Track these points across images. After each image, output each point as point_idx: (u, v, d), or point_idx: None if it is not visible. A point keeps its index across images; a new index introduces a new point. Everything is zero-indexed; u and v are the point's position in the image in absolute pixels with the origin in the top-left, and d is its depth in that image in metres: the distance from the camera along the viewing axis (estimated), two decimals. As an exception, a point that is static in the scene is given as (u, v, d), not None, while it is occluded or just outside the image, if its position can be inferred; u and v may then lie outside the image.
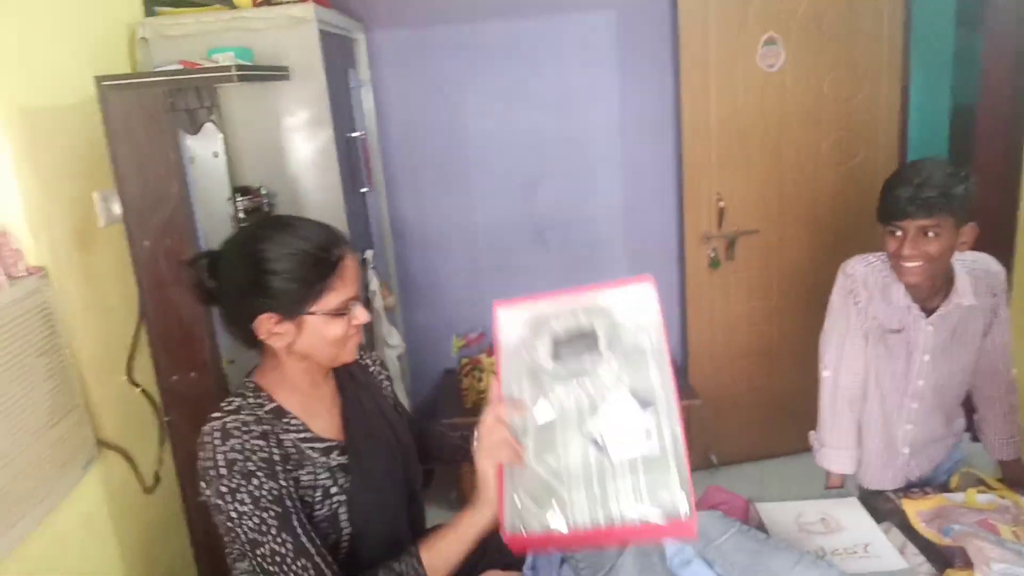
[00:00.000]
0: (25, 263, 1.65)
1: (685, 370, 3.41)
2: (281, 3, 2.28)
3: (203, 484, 1.22)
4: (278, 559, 1.16)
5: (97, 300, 1.93)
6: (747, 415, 3.40)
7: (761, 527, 1.69)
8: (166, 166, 1.76)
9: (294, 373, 1.30)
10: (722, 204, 3.19)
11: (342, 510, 1.27)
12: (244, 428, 1.20)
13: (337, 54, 2.62)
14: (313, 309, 1.22)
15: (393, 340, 2.78)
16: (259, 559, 1.17)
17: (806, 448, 2.07)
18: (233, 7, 2.27)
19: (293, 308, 1.22)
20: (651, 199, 3.39)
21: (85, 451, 1.77)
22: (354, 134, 2.76)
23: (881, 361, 1.90)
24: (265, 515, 1.16)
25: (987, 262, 1.85)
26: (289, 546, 1.16)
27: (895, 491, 1.84)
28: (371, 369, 1.53)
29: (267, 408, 1.26)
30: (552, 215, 3.37)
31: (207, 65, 1.93)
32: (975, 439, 2.06)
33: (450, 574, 1.22)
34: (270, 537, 1.16)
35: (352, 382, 1.42)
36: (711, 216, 3.21)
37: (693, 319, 3.32)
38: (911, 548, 1.59)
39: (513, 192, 3.34)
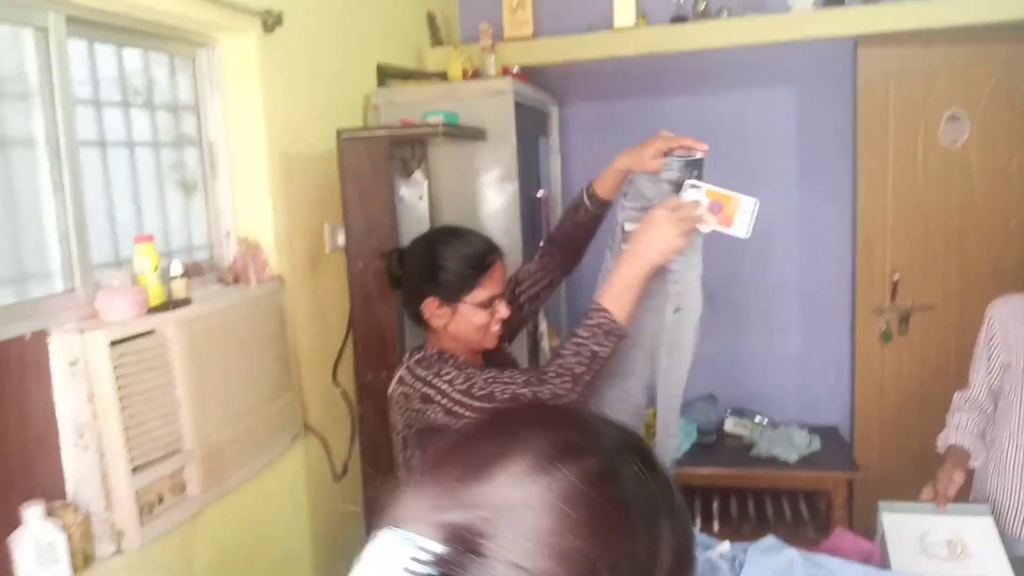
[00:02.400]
0: (269, 271, 2.11)
1: (851, 442, 3.36)
2: (486, 77, 2.70)
3: (403, 407, 1.53)
4: (489, 380, 1.44)
5: (317, 310, 2.37)
6: (914, 496, 3.26)
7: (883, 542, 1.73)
8: (382, 203, 2.18)
9: (452, 346, 1.61)
10: (897, 277, 3.18)
11: None
12: (428, 356, 1.54)
13: (530, 123, 3.00)
14: (466, 299, 1.55)
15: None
16: (475, 396, 1.43)
17: None
18: (447, 80, 2.72)
19: (452, 296, 1.55)
20: (826, 268, 3.44)
21: (295, 427, 2.18)
22: (539, 194, 3.11)
23: None
24: (467, 371, 1.48)
25: None
26: (493, 372, 1.46)
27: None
28: (514, 357, 1.83)
29: (443, 354, 1.58)
30: (726, 278, 3.51)
31: (420, 123, 2.35)
32: None
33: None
34: (477, 377, 1.45)
35: (497, 358, 1.72)
36: (884, 289, 3.21)
37: (861, 391, 3.30)
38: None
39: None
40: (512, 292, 1.79)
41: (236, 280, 2.04)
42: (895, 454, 3.30)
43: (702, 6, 3.12)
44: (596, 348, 1.40)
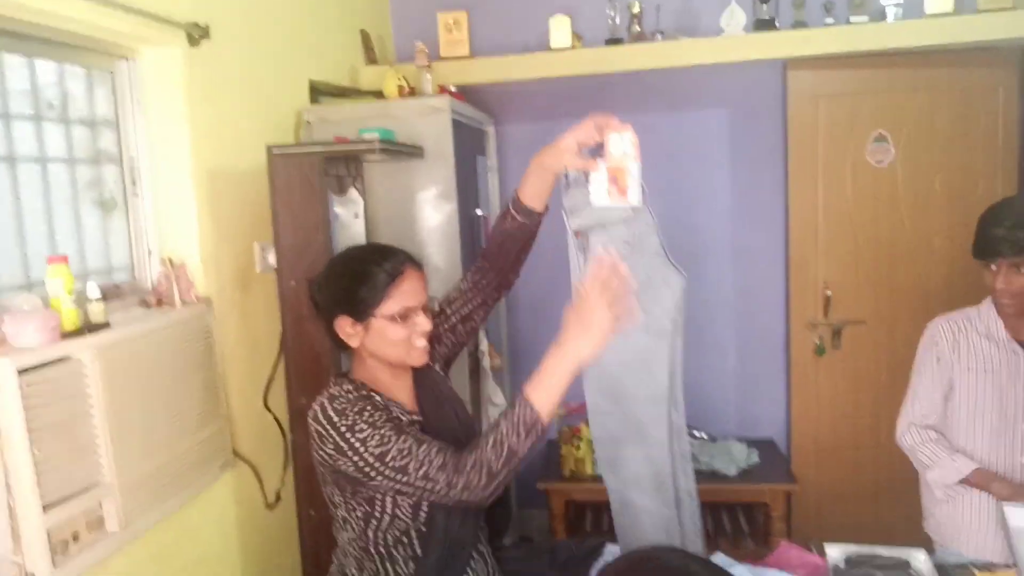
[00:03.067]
0: (195, 292, 2.02)
1: (789, 455, 3.40)
2: (423, 95, 2.66)
3: (317, 452, 1.46)
4: (405, 452, 1.37)
5: (247, 333, 2.27)
6: (850, 506, 3.32)
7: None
8: (315, 221, 2.11)
9: (375, 367, 1.55)
10: (829, 293, 3.25)
11: None
12: (345, 392, 1.47)
13: (467, 141, 2.97)
14: (376, 313, 1.48)
15: (497, 399, 2.99)
16: (390, 465, 1.37)
17: (911, 542, 2.04)
18: (382, 98, 2.67)
19: (361, 311, 1.49)
20: (759, 285, 3.50)
21: (223, 455, 2.07)
22: (478, 212, 3.08)
23: (982, 416, 1.98)
24: (383, 430, 1.39)
25: None
26: (409, 443, 1.39)
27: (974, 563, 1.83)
28: (448, 381, 1.75)
29: (361, 388, 1.52)
30: (659, 296, 3.53)
31: (355, 140, 2.30)
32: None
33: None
34: (393, 443, 1.38)
35: (427, 379, 1.65)
36: (817, 304, 3.27)
37: (797, 405, 3.34)
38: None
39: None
40: (443, 312, 1.74)
41: (159, 303, 1.94)
42: (831, 465, 3.35)
43: (637, 29, 3.16)
44: (514, 445, 1.36)
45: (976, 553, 1.97)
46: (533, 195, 1.70)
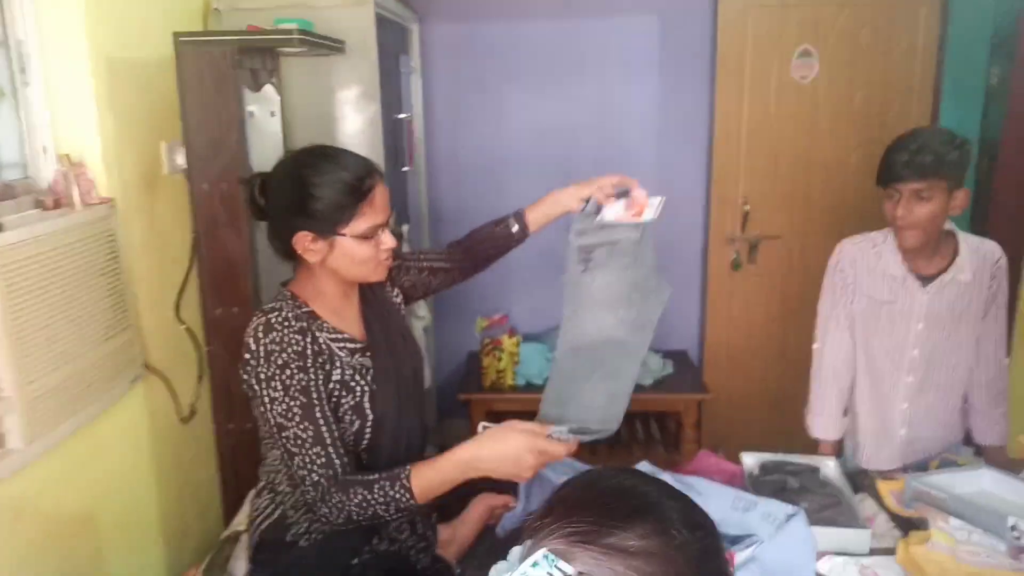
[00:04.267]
0: (97, 192, 1.86)
1: (701, 366, 3.52)
2: (343, -15, 2.47)
3: (242, 372, 1.40)
4: (299, 443, 1.34)
5: (155, 239, 2.12)
6: (757, 414, 3.49)
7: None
8: (228, 119, 1.95)
9: (325, 284, 1.46)
10: (747, 208, 3.30)
11: (366, 400, 1.45)
12: (285, 323, 1.38)
13: (391, 39, 2.81)
14: (344, 231, 1.38)
15: (421, 312, 2.95)
16: (283, 441, 1.34)
17: (813, 449, 2.14)
18: (300, -14, 2.47)
19: (327, 229, 1.38)
20: (680, 199, 3.51)
21: (133, 369, 1.96)
22: (400, 115, 2.94)
23: (874, 336, 2.00)
24: (292, 403, 1.34)
25: (992, 248, 1.93)
26: (310, 433, 1.34)
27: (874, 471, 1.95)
28: (395, 298, 1.68)
29: (303, 311, 1.43)
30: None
31: (271, 29, 2.12)
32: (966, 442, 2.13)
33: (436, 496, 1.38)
34: (294, 423, 1.34)
35: (374, 297, 1.59)
36: (736, 219, 3.32)
37: (712, 317, 3.43)
38: (883, 517, 1.69)
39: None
40: (416, 256, 1.71)
41: (57, 204, 1.78)
42: (741, 375, 3.49)
43: (569, -76, 3.01)
44: (380, 513, 1.33)
45: (868, 463, 2.08)
46: (536, 220, 1.81)
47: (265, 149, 2.17)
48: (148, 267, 2.08)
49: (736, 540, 1.55)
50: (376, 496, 1.32)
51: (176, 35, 1.92)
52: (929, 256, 1.90)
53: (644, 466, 1.70)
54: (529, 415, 3.59)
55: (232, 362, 1.99)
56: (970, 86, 3.60)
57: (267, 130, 2.18)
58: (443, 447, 1.69)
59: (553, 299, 3.71)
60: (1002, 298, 1.96)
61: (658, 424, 3.51)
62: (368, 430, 1.44)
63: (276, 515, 1.50)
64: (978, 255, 1.91)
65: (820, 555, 1.51)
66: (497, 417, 3.40)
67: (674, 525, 0.73)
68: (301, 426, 1.34)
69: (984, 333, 1.98)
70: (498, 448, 1.35)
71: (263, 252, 2.13)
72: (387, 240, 1.44)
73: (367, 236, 1.40)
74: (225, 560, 1.65)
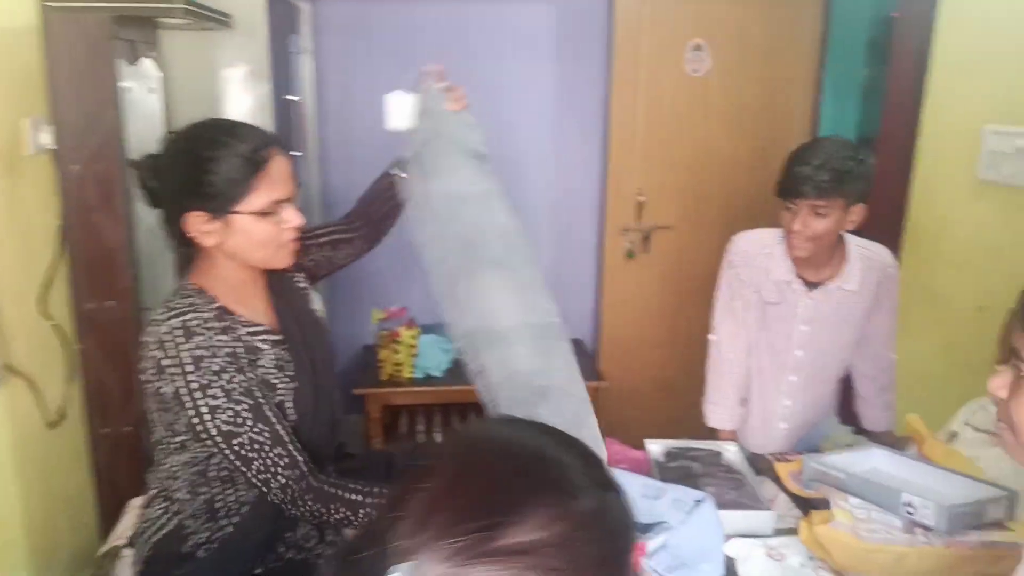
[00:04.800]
0: (-53, 173, 1.65)
1: (596, 355, 3.56)
2: (229, -45, 2.31)
3: (154, 380, 1.25)
4: (256, 446, 1.23)
5: (17, 226, 1.91)
6: (652, 403, 3.56)
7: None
8: (102, 94, 1.78)
9: (228, 271, 1.33)
10: (642, 199, 3.35)
11: (288, 399, 1.34)
12: (206, 325, 1.24)
13: (280, 16, 2.66)
14: (239, 208, 1.26)
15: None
16: (235, 448, 1.23)
17: (708, 435, 2.19)
18: (180, -46, 2.29)
19: (220, 206, 1.26)
20: (576, 189, 3.53)
21: (-6, 369, 1.77)
22: (291, 97, 2.80)
23: (761, 333, 2.06)
24: (239, 407, 1.23)
25: (882, 254, 2.02)
26: (266, 435, 1.24)
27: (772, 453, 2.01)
28: (299, 284, 1.57)
29: (215, 306, 1.30)
30: (480, 197, 3.47)
31: (151, 1, 1.95)
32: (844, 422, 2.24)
33: None
34: (247, 427, 1.23)
35: (281, 284, 1.47)
36: (631, 210, 3.37)
37: (607, 307, 3.47)
38: (783, 498, 1.74)
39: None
40: (315, 232, 1.60)
41: (-102, 185, 1.57)
42: (636, 363, 3.54)
43: (466, -93, 2.95)
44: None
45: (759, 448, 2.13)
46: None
47: (144, 128, 2.01)
48: (8, 257, 1.86)
49: (647, 528, 1.55)
50: (360, 518, 1.27)
51: (43, 1, 1.73)
52: (818, 265, 1.95)
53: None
54: (428, 408, 3.55)
55: (107, 360, 1.84)
56: (848, 84, 3.80)
57: (146, 108, 2.02)
58: (338, 445, 1.61)
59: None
60: (889, 302, 2.04)
61: (556, 414, 3.52)
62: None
63: (172, 525, 1.37)
64: (867, 262, 1.97)
65: (727, 538, 1.54)
66: (395, 411, 3.34)
67: (578, 493, 0.62)
68: (255, 429, 1.23)
69: (872, 333, 2.07)
70: None
71: (143, 240, 1.97)
72: (291, 217, 1.32)
73: (266, 213, 1.28)
74: (105, 577, 1.51)
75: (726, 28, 3.24)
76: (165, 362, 1.22)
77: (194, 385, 1.21)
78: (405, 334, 3.13)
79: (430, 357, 3.14)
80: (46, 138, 1.88)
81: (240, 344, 1.28)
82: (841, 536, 1.45)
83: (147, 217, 2.03)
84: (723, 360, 2.11)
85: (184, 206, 1.26)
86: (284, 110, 2.64)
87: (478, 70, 3.34)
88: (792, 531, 1.60)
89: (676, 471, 1.80)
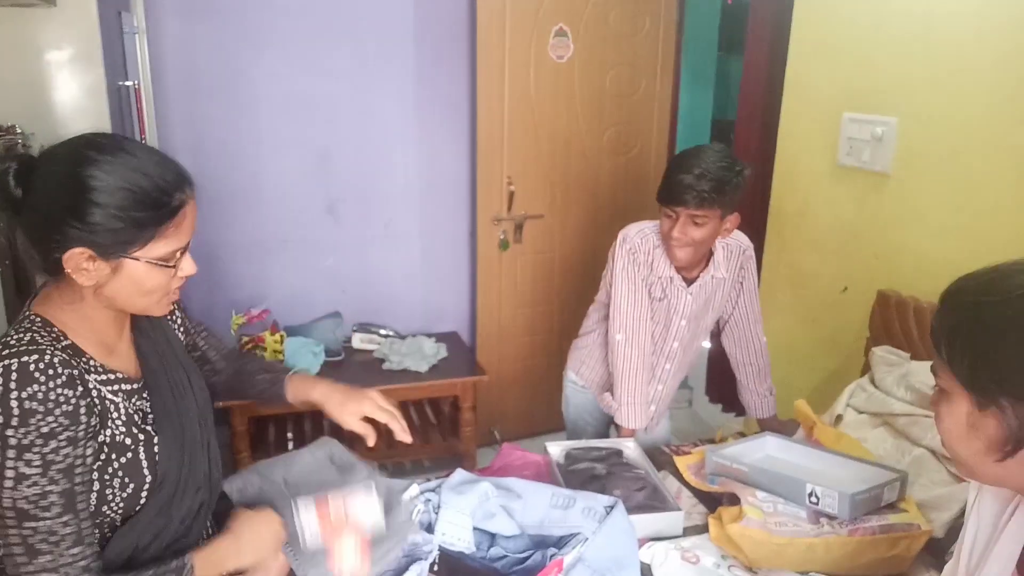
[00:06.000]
0: None
1: (473, 348, 3.48)
2: (45, -80, 2.01)
3: None
4: (52, 540, 1.01)
5: None
6: (529, 392, 3.53)
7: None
8: None
9: (92, 310, 1.12)
10: (512, 188, 3.29)
11: (142, 455, 1.14)
12: (49, 371, 1.01)
13: (109, -9, 2.36)
14: (137, 254, 1.06)
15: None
16: (26, 533, 1.00)
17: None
18: (-17, -85, 1.96)
19: (113, 248, 1.05)
20: (446, 179, 3.42)
21: None
22: (126, 83, 2.50)
23: (645, 319, 2.08)
24: (52, 487, 1.01)
25: (740, 237, 2.08)
26: (70, 530, 1.02)
27: (667, 445, 2.02)
28: (178, 331, 1.38)
29: (62, 345, 1.08)
30: (344, 188, 3.29)
31: (-49, -28, 1.65)
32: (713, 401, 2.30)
33: None
34: (50, 514, 1.01)
35: (151, 325, 1.27)
36: (502, 199, 3.29)
37: (483, 298, 3.39)
38: (686, 493, 1.74)
39: (303, 162, 3.22)
40: (197, 329, 1.46)
41: None
42: (512, 354, 3.50)
43: None
44: None
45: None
46: (296, 398, 1.50)
47: (-50, 122, 1.70)
48: None
49: (561, 541, 1.50)
50: None
51: None
52: (693, 264, 2.00)
53: (460, 474, 1.58)
54: (297, 416, 3.33)
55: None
56: (703, 69, 3.91)
57: (-47, 99, 1.71)
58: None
59: (317, 285, 3.46)
60: (749, 283, 2.12)
61: (432, 409, 3.42)
62: (144, 495, 1.13)
63: None
64: (727, 249, 2.04)
65: (640, 542, 1.51)
66: (262, 422, 3.10)
67: None
68: (60, 520, 1.01)
69: (739, 316, 2.15)
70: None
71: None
72: (187, 267, 1.14)
73: (164, 262, 1.09)
74: None
75: (587, 13, 3.21)
76: None
77: (11, 441, 0.99)
78: (269, 339, 2.91)
79: (299, 362, 2.93)
80: None
81: (85, 402, 1.06)
82: (753, 533, 1.45)
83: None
84: (634, 359, 2.04)
85: (64, 234, 1.03)
86: (118, 96, 2.35)
87: (338, 55, 3.14)
88: (700, 528, 1.60)
89: (580, 474, 1.75)
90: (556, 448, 1.88)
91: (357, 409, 1.44)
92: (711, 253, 2.01)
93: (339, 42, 3.13)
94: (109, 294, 1.09)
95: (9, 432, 0.98)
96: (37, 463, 1.00)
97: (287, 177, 3.21)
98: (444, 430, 3.30)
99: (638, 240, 2.01)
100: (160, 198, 1.06)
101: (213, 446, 1.34)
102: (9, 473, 0.99)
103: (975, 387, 0.84)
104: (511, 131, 3.24)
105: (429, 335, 3.40)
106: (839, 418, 1.93)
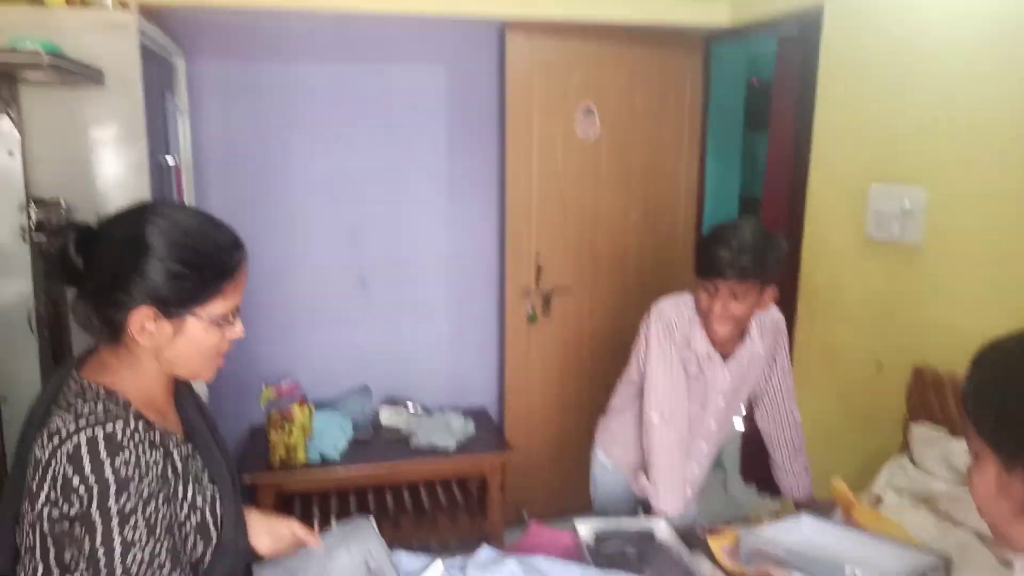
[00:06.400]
0: None
1: (501, 424, 3.44)
2: (99, 7, 2.12)
3: (54, 507, 1.01)
4: None
5: None
6: (559, 470, 3.46)
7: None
8: (-52, 157, 1.54)
9: (149, 374, 1.14)
10: (540, 261, 3.30)
11: (208, 514, 1.14)
12: (135, 437, 1.03)
13: (154, 73, 2.47)
14: (198, 311, 1.11)
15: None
16: None
17: None
18: (42, 5, 2.08)
19: (177, 304, 1.09)
20: (474, 253, 3.45)
21: None
22: (168, 159, 2.59)
23: (682, 395, 2.02)
24: (159, 546, 1.02)
25: (771, 311, 2.03)
26: None
27: (700, 526, 1.95)
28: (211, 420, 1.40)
29: (132, 412, 1.08)
30: (375, 262, 3.33)
31: (9, 50, 1.72)
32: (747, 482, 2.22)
33: None
34: (161, 572, 1.02)
35: (186, 388, 1.29)
36: (530, 272, 3.31)
37: (511, 372, 3.37)
38: (720, 575, 1.67)
39: (335, 236, 3.28)
40: None
41: None
42: (540, 430, 3.45)
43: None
44: None
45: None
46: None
47: (1, 195, 1.76)
48: None
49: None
50: None
51: None
52: (730, 339, 1.95)
53: (486, 552, 1.54)
54: (323, 494, 3.30)
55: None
56: (729, 147, 3.96)
57: (3, 172, 1.77)
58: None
59: (346, 359, 3.46)
60: (782, 358, 2.08)
61: (460, 488, 3.36)
62: (208, 555, 1.14)
63: None
64: (760, 323, 1.99)
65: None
66: (288, 499, 3.07)
67: None
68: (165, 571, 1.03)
69: (772, 392, 2.10)
70: None
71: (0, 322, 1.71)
72: (238, 329, 1.18)
73: (220, 322, 1.13)
74: None
75: (613, 93, 3.28)
76: (76, 482, 0.99)
77: (111, 511, 1.00)
78: (298, 414, 2.90)
79: (326, 437, 2.92)
80: None
81: (168, 462, 1.09)
82: (794, 617, 1.39)
83: (3, 295, 1.78)
84: (673, 441, 1.96)
85: (130, 294, 1.07)
86: (161, 174, 2.43)
87: (370, 133, 3.23)
88: (737, 613, 1.53)
89: (610, 556, 1.69)
90: (585, 527, 1.83)
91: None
92: (747, 327, 1.97)
93: (372, 121, 3.23)
94: (169, 356, 1.12)
95: (110, 502, 1.00)
96: (141, 527, 1.01)
97: (319, 251, 3.26)
98: (471, 509, 3.23)
99: (674, 315, 1.96)
100: (220, 256, 1.12)
101: (242, 515, 1.33)
102: (115, 543, 1.00)
103: (999, 447, 0.83)
104: (539, 206, 3.28)
105: (457, 410, 3.37)
106: (878, 499, 1.86)
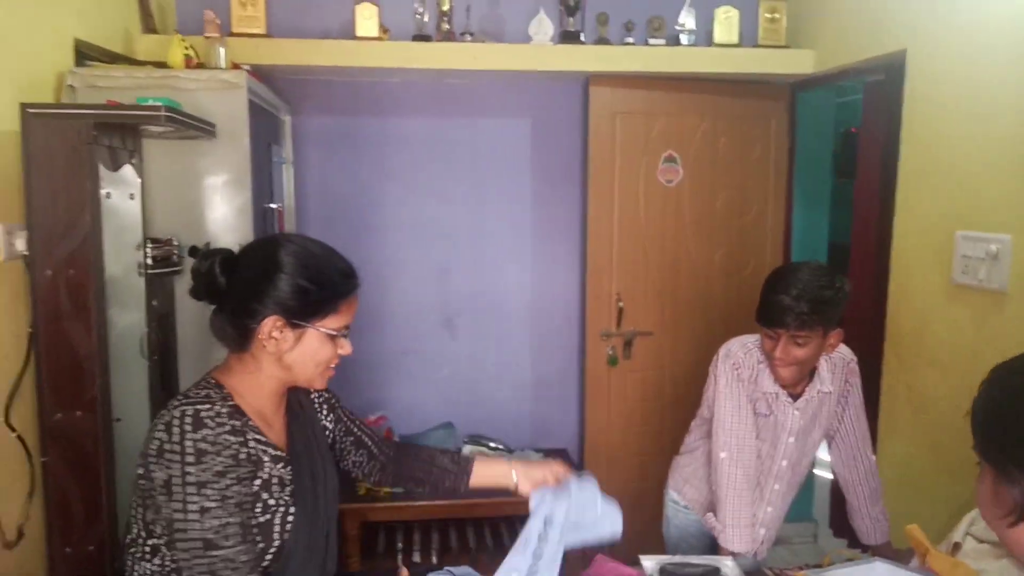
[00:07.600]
0: (-86, 280, 1.60)
1: (581, 465, 3.46)
2: (214, 68, 2.36)
3: (150, 464, 1.19)
4: (234, 567, 1.16)
5: (-16, 334, 1.85)
6: (638, 511, 3.42)
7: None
8: (81, 196, 1.76)
9: (265, 379, 1.32)
10: (621, 305, 3.35)
11: (276, 520, 1.28)
12: (217, 419, 1.21)
13: (263, 127, 2.70)
14: (317, 324, 1.29)
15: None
16: (210, 561, 1.15)
17: None
18: (166, 68, 2.34)
19: (301, 316, 1.28)
20: (557, 295, 3.54)
21: (-53, 486, 1.66)
22: (272, 205, 2.81)
23: (751, 437, 2.01)
24: (230, 519, 1.17)
25: (842, 349, 2.02)
26: (245, 558, 1.18)
27: (769, 568, 1.92)
28: (315, 401, 1.57)
29: (230, 404, 1.27)
30: (461, 304, 3.46)
31: (134, 106, 1.96)
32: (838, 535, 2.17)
33: None
34: (230, 545, 1.17)
35: (302, 409, 1.47)
36: (611, 315, 3.36)
37: (591, 414, 3.40)
38: (788, 617, 1.65)
39: (424, 279, 3.44)
40: (351, 417, 1.63)
41: None
42: (619, 472, 3.44)
43: (446, 27, 3.07)
44: None
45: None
46: (479, 481, 1.76)
47: (121, 233, 1.98)
48: (-28, 366, 1.80)
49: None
50: None
51: (24, 106, 1.73)
52: (798, 380, 1.96)
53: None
54: (407, 524, 3.39)
55: (72, 474, 1.74)
56: (817, 193, 3.92)
57: (124, 214, 1.99)
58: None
59: (432, 396, 3.58)
60: (855, 398, 2.05)
61: (537, 527, 3.38)
62: (269, 557, 1.26)
63: None
64: (831, 362, 1.99)
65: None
66: (372, 528, 3.18)
67: None
68: (239, 549, 1.17)
69: (845, 433, 2.07)
70: None
71: (115, 348, 1.91)
72: (347, 347, 1.37)
73: (333, 336, 1.32)
74: None
75: (696, 141, 3.34)
76: (167, 446, 1.18)
77: (190, 479, 1.16)
78: (382, 445, 3.02)
79: (408, 469, 3.02)
80: (20, 244, 1.85)
81: (245, 450, 1.24)
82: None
83: (120, 324, 1.98)
84: (740, 479, 1.98)
85: (264, 304, 1.27)
86: (262, 218, 2.64)
87: (458, 182, 3.40)
88: (799, 652, 1.51)
89: (672, 588, 1.70)
90: (650, 562, 1.85)
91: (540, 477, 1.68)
92: (815, 367, 1.97)
93: (461, 170, 3.40)
94: (288, 361, 1.30)
95: (189, 469, 1.15)
96: (216, 499, 1.16)
97: (408, 293, 3.43)
98: (548, 548, 3.24)
99: (742, 355, 1.99)
100: (339, 278, 1.32)
101: (332, 537, 1.45)
102: (192, 507, 1.15)
103: (987, 456, 0.92)
104: (620, 250, 3.34)
105: (538, 450, 3.42)
106: (957, 546, 1.79)
